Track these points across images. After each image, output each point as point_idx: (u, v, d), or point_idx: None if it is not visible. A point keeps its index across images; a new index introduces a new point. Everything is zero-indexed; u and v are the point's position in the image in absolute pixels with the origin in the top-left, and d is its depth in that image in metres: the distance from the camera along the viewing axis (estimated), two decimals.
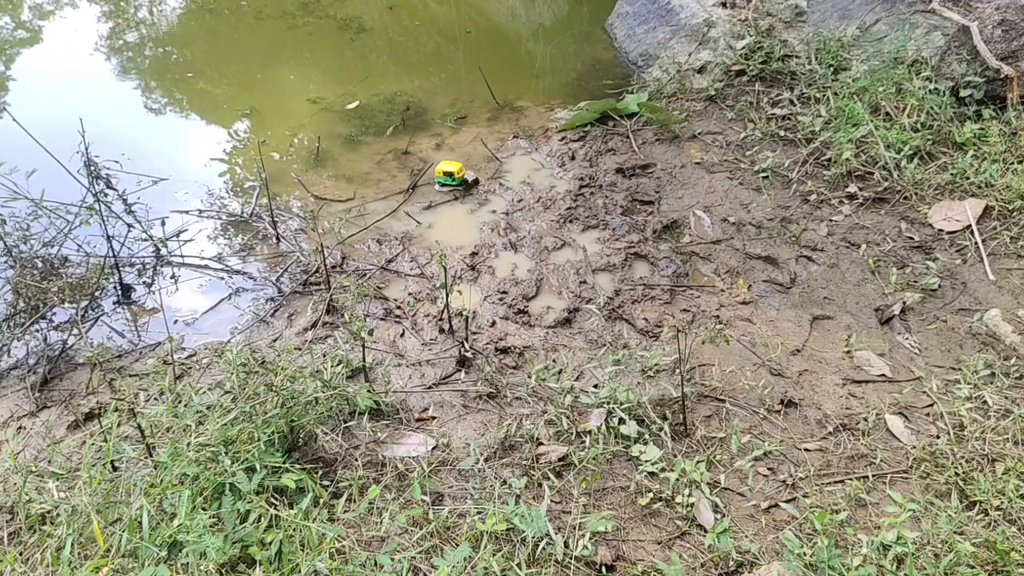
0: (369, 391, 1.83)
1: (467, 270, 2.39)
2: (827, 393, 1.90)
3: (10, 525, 1.57)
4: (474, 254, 2.46)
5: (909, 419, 1.82)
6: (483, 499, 1.58)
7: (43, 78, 3.82)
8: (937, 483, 1.64)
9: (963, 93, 2.73)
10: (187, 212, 2.72)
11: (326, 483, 1.60)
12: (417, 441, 1.75)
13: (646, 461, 1.67)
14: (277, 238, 2.57)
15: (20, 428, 1.85)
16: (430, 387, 1.95)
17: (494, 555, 1.44)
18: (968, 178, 2.53)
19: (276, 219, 2.63)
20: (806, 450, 1.74)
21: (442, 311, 2.17)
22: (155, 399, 1.84)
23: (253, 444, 1.55)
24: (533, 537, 1.47)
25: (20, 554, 1.49)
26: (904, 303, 2.17)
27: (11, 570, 1.45)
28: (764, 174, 2.74)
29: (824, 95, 2.97)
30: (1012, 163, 2.53)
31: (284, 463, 1.56)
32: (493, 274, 2.38)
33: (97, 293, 2.29)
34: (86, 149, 2.25)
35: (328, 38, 4.07)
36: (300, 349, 2.00)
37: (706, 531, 1.54)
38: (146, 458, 1.59)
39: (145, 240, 2.49)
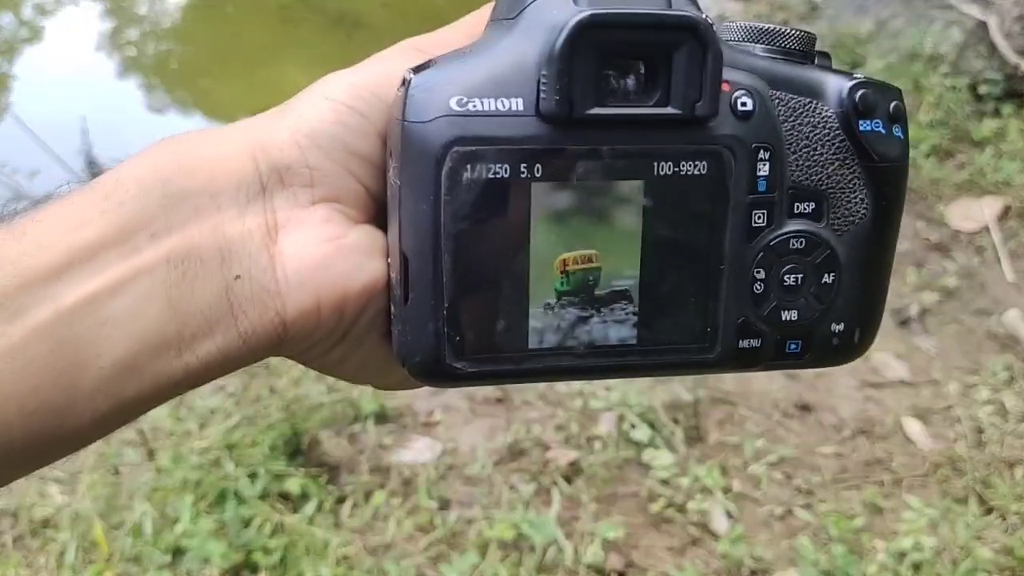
0: (374, 395, 1.81)
1: None
2: (843, 396, 1.87)
3: (14, 529, 1.56)
4: None
5: (927, 423, 1.80)
6: (491, 505, 1.56)
7: (45, 77, 3.82)
8: (955, 488, 1.62)
9: (981, 89, 2.69)
10: None
11: (331, 488, 1.58)
12: (423, 446, 1.73)
13: (658, 466, 1.64)
14: None
15: None
16: (436, 391, 1.92)
17: (502, 562, 1.42)
18: (986, 176, 2.49)
19: None
20: (822, 455, 1.72)
21: None
22: None
23: (256, 448, 1.54)
24: (542, 544, 1.46)
25: (24, 558, 1.48)
26: (921, 304, 2.14)
27: (15, 575, 1.45)
28: None
29: None
30: None
31: (288, 468, 1.55)
32: None
33: None
34: (89, 149, 2.24)
35: (326, 35, 4.05)
36: None
37: (719, 538, 1.52)
38: (148, 462, 1.58)
39: None
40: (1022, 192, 2.42)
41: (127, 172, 0.29)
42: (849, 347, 0.35)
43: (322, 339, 0.31)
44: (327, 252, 0.30)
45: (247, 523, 1.46)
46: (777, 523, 1.56)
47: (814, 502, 1.60)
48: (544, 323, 0.31)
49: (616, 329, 0.31)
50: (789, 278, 0.32)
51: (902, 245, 2.34)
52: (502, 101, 0.29)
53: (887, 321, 2.09)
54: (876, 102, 0.32)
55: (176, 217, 0.29)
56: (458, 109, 0.29)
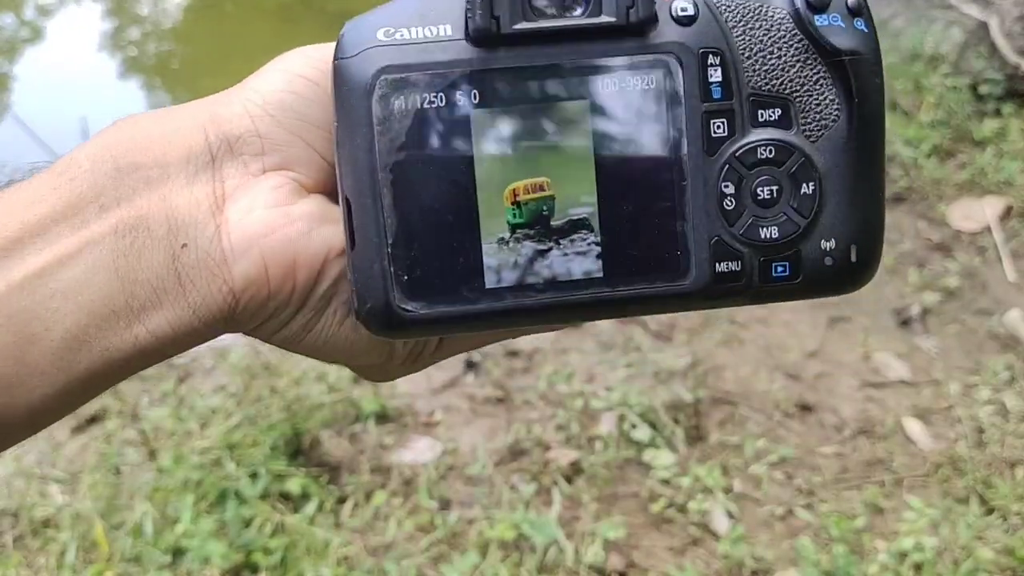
0: (375, 394, 1.81)
1: None
2: (844, 396, 1.87)
3: (14, 529, 1.56)
4: None
5: (928, 423, 1.79)
6: (491, 505, 1.56)
7: (45, 77, 3.82)
8: (956, 488, 1.62)
9: (982, 89, 2.68)
10: None
11: (332, 488, 1.58)
12: (424, 446, 1.72)
13: (659, 466, 1.64)
14: None
15: None
16: (437, 391, 1.92)
17: (502, 562, 1.42)
18: (987, 176, 2.49)
19: None
20: (823, 455, 1.72)
21: None
22: (158, 402, 1.82)
23: (257, 448, 1.54)
24: (543, 544, 1.45)
25: (24, 558, 1.48)
26: (923, 304, 2.13)
27: (16, 575, 1.44)
28: None
29: None
30: None
31: (289, 468, 1.55)
32: None
33: None
34: None
35: (325, 34, 4.04)
36: None
37: (720, 538, 1.51)
38: (149, 462, 1.58)
39: None
40: (1023, 192, 2.41)
41: (81, 151, 0.30)
42: (847, 268, 0.32)
43: (277, 309, 0.31)
44: (273, 218, 0.30)
45: (248, 523, 1.45)
46: (778, 523, 1.56)
47: (815, 502, 1.59)
48: (499, 259, 0.30)
49: (579, 262, 0.30)
50: (763, 191, 0.30)
51: (903, 245, 2.34)
52: (430, 28, 0.29)
53: (888, 321, 2.09)
54: None
55: (125, 189, 0.29)
56: (385, 39, 0.29)
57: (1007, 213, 2.38)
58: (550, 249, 0.30)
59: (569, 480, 1.63)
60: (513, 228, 0.30)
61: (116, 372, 0.29)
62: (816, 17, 0.30)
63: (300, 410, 1.65)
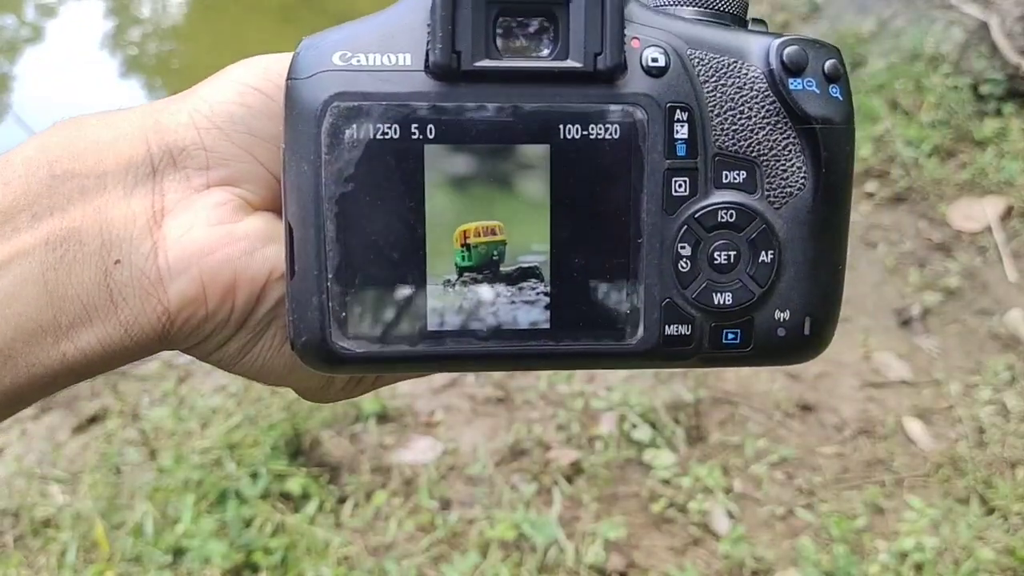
0: (375, 394, 1.81)
1: None
2: (844, 396, 1.87)
3: (15, 529, 1.56)
4: None
5: (928, 423, 1.79)
6: (492, 505, 1.56)
7: (45, 77, 3.82)
8: (956, 488, 1.62)
9: (983, 89, 2.68)
10: None
11: (332, 488, 1.58)
12: (424, 446, 1.72)
13: (659, 466, 1.64)
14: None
15: (23, 432, 1.84)
16: (437, 391, 1.92)
17: (503, 562, 1.42)
18: (988, 176, 2.48)
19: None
20: (823, 455, 1.72)
21: None
22: (158, 402, 1.83)
23: (258, 448, 1.54)
24: (543, 544, 1.45)
25: (25, 558, 1.48)
26: (923, 304, 2.13)
27: (16, 574, 1.45)
28: None
29: None
30: None
31: (289, 468, 1.55)
32: None
33: None
34: None
35: None
36: None
37: (720, 538, 1.51)
38: (149, 462, 1.58)
39: None
40: None
41: (17, 153, 0.28)
42: (799, 340, 0.31)
43: (215, 330, 0.29)
44: (215, 236, 0.28)
45: (248, 523, 1.45)
46: (778, 523, 1.56)
47: (815, 502, 1.59)
48: (444, 302, 0.29)
49: (526, 311, 0.29)
50: (720, 255, 0.29)
51: (904, 245, 2.34)
52: (389, 56, 0.28)
53: (889, 321, 2.09)
54: (807, 59, 0.29)
55: (59, 198, 0.27)
56: (340, 64, 0.28)
57: (1008, 213, 2.38)
58: (497, 296, 0.29)
59: (569, 480, 1.63)
60: (461, 271, 0.29)
61: (42, 388, 0.28)
62: (791, 80, 0.29)
63: (300, 410, 1.65)
